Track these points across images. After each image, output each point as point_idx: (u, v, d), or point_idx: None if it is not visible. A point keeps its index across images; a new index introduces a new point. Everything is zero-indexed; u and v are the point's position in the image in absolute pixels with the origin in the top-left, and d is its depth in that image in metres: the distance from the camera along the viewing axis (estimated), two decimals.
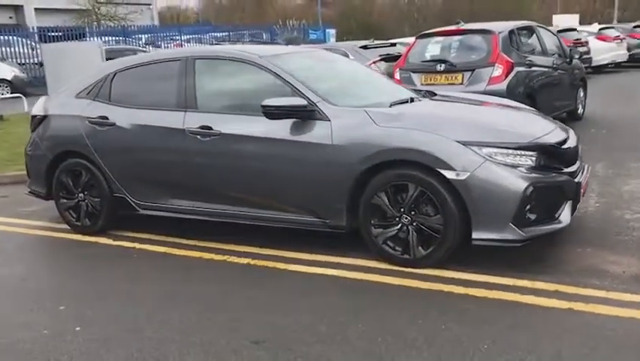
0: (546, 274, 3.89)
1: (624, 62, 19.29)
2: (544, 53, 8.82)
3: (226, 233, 5.00)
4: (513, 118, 4.71)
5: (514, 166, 3.88)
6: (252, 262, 4.50)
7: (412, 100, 4.82)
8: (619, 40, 18.92)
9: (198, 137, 4.68)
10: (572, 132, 4.59)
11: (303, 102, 4.30)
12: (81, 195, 5.35)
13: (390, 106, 4.52)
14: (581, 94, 9.98)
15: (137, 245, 5.05)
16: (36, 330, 3.58)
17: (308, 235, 4.67)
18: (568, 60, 9.36)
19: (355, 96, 4.75)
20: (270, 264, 4.43)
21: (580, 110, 9.91)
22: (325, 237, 4.60)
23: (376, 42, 11.88)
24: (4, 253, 5.15)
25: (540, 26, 9.30)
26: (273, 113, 4.30)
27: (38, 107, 5.64)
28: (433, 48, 8.37)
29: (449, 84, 7.77)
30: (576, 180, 4.17)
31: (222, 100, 4.86)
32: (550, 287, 3.72)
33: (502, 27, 8.11)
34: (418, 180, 3.97)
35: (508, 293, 3.68)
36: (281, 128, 4.40)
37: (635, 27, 20.86)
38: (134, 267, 4.61)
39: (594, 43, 17.83)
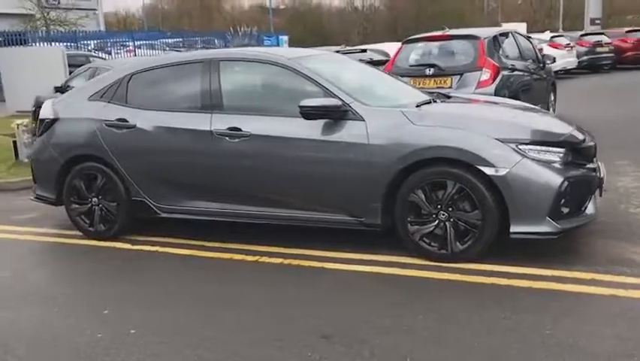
0: (580, 265, 4.09)
1: (573, 68, 20.19)
2: (522, 57, 9.17)
3: (245, 235, 5.03)
4: (537, 118, 4.92)
5: (548, 162, 4.07)
6: (285, 261, 4.53)
7: (434, 101, 4.96)
8: (569, 48, 19.79)
9: (227, 138, 4.69)
10: (587, 132, 4.83)
11: (339, 102, 4.37)
12: (95, 199, 5.25)
13: (417, 106, 4.64)
14: (552, 97, 10.42)
15: (158, 248, 5.00)
16: (89, 334, 3.51)
17: (330, 234, 4.74)
18: (541, 65, 9.77)
19: (381, 97, 4.86)
20: (304, 263, 4.47)
21: (551, 113, 10.34)
22: (348, 235, 4.69)
23: (347, 48, 11.89)
24: (21, 261, 5.00)
25: (517, 32, 9.67)
26: (310, 113, 4.36)
27: (46, 111, 5.50)
28: (420, 53, 8.58)
29: (438, 88, 7.98)
30: (598, 175, 4.40)
31: (250, 101, 4.88)
32: (586, 276, 3.91)
33: (486, 33, 8.40)
34: (457, 177, 4.10)
35: (551, 283, 3.85)
36: (312, 129, 4.46)
37: (582, 35, 21.87)
38: (165, 269, 4.56)
39: (547, 51, 18.57)
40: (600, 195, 4.53)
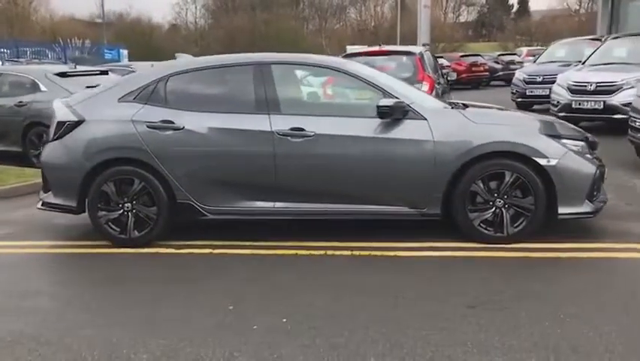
0: (603, 237, 4.93)
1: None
2: (436, 72, 10.21)
3: (288, 233, 5.20)
4: (550, 118, 5.73)
5: (582, 154, 4.87)
6: (355, 253, 4.80)
7: (464, 106, 5.50)
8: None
9: (289, 138, 4.84)
10: None
11: (405, 103, 4.80)
12: (128, 204, 5.04)
13: (452, 107, 5.21)
14: None
15: (211, 251, 4.96)
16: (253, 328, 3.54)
17: (375, 226, 5.12)
18: (446, 80, 10.93)
19: (418, 98, 5.31)
20: (374, 253, 4.78)
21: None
22: (393, 227, 5.10)
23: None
24: (75, 273, 4.66)
25: (427, 51, 10.72)
26: (386, 112, 4.73)
27: (65, 113, 5.14)
28: None
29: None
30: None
31: (307, 103, 5.08)
32: (614, 246, 4.73)
33: (416, 49, 9.27)
34: (514, 168, 4.73)
35: (591, 253, 4.62)
36: (372, 128, 4.83)
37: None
38: (242, 269, 4.56)
39: None
40: (603, 182, 5.44)
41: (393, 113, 4.76)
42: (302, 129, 4.84)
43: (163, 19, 55.49)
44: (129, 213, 5.05)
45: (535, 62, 16.19)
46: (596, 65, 11.52)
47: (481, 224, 4.84)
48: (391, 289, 4.04)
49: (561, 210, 4.77)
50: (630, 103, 10.09)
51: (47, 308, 3.96)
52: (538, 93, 13.99)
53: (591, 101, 10.66)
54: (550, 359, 3.06)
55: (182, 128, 4.94)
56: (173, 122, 4.96)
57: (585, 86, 10.76)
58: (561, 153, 4.74)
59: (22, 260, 5.07)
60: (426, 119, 4.82)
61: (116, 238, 5.09)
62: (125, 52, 34.43)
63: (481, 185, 4.78)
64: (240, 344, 3.33)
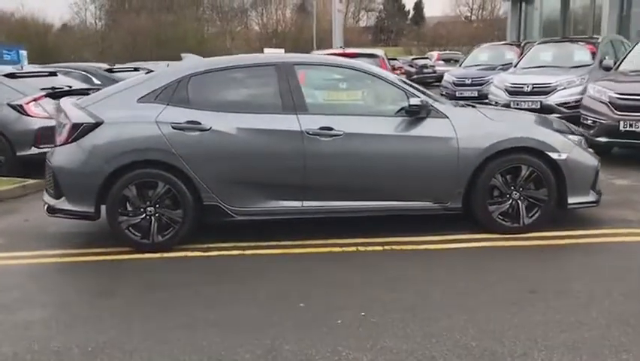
0: (601, 225, 5.36)
1: None
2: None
3: (306, 231, 5.26)
4: (550, 117, 6.14)
5: (584, 148, 5.30)
6: (386, 248, 4.94)
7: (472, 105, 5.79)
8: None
9: (318, 137, 4.91)
10: None
11: (429, 102, 5.01)
12: (151, 208, 4.89)
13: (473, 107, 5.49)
14: None
15: (242, 252, 4.92)
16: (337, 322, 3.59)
17: (388, 222, 5.29)
18: None
19: (435, 98, 5.52)
20: (404, 247, 4.95)
21: None
22: (404, 222, 5.29)
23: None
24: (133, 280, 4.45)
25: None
26: (416, 111, 4.91)
27: (79, 115, 4.89)
28: None
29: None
30: None
31: (332, 102, 5.16)
32: (618, 231, 5.20)
33: (379, 52, 9.58)
34: (529, 162, 5.06)
35: (598, 238, 5.07)
36: (400, 126, 5.01)
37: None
38: (283, 268, 4.58)
39: None
40: None
41: (421, 112, 4.96)
42: (331, 128, 4.92)
43: (60, 19, 52.48)
44: (152, 218, 4.90)
45: (460, 65, 17.02)
46: (527, 67, 12.35)
47: (499, 216, 5.13)
48: (444, 280, 4.23)
49: (570, 200, 5.16)
50: (565, 103, 11.00)
51: (123, 313, 3.79)
52: (467, 95, 14.72)
53: (528, 101, 11.40)
54: (628, 332, 3.35)
55: (209, 129, 4.87)
56: (199, 123, 4.87)
57: (522, 87, 11.51)
58: (570, 148, 5.13)
59: (50, 270, 4.79)
60: (447, 118, 5.05)
61: (138, 243, 4.92)
62: (24, 53, 32.35)
63: (500, 179, 5.07)
64: (336, 338, 3.38)
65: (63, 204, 4.94)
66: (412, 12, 74.89)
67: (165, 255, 4.90)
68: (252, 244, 5.08)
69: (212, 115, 4.91)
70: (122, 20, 47.74)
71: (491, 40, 31.56)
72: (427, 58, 31.27)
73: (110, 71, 11.22)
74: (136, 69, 11.68)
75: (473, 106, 5.65)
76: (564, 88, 11.19)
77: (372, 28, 72.12)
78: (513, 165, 5.07)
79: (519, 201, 5.12)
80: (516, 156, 5.07)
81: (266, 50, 29.83)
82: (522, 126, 5.21)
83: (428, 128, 5.01)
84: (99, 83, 10.43)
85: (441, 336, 3.38)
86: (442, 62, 29.34)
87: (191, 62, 5.59)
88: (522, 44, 16.40)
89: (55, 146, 5.08)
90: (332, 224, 5.31)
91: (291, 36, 52.18)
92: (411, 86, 5.29)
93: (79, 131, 4.86)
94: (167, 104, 4.93)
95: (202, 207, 4.95)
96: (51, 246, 5.27)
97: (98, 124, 4.86)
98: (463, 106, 5.51)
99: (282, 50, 31.72)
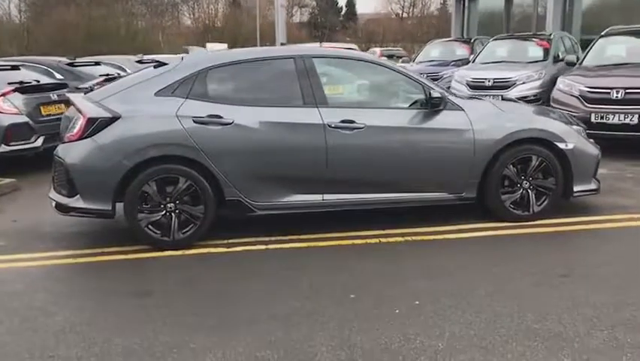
0: (601, 211, 5.64)
1: None
2: None
3: (325, 223, 5.28)
4: (550, 108, 6.36)
5: (586, 137, 5.55)
6: (408, 238, 5.01)
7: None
8: None
9: (340, 130, 4.92)
10: None
11: (444, 94, 5.12)
12: (171, 205, 4.77)
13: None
14: None
15: (267, 246, 4.88)
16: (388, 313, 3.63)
17: (407, 213, 5.39)
18: None
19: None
20: (424, 238, 5.04)
21: None
22: (419, 213, 5.40)
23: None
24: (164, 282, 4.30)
25: None
26: (438, 103, 5.01)
27: (94, 109, 4.70)
28: None
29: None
30: None
31: (353, 95, 5.18)
32: (618, 217, 5.49)
33: (354, 47, 9.62)
34: (539, 152, 5.25)
35: (604, 223, 5.33)
36: (418, 119, 5.09)
37: None
38: (314, 261, 4.56)
39: None
40: None
41: (441, 104, 5.05)
42: (353, 121, 4.94)
43: None
44: (172, 214, 4.77)
45: (414, 61, 17.34)
46: (486, 63, 12.75)
47: (511, 205, 5.30)
48: (478, 268, 4.35)
49: (576, 188, 5.39)
50: (525, 97, 11.42)
51: (171, 312, 3.68)
52: None
53: (490, 95, 11.73)
54: None
55: (231, 123, 4.79)
56: (221, 117, 4.78)
57: (483, 82, 11.86)
58: (575, 138, 5.37)
59: (84, 269, 4.58)
60: (463, 110, 5.17)
61: (158, 241, 4.79)
62: None
63: (512, 169, 5.25)
64: (402, 326, 3.42)
65: (77, 202, 4.74)
66: (344, 9, 75.46)
67: (187, 252, 4.79)
68: (272, 238, 5.04)
69: (233, 109, 4.84)
70: (50, 13, 45.71)
71: (427, 36, 32.25)
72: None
73: (71, 65, 10.78)
74: (97, 63, 11.29)
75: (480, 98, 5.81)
76: (523, 82, 11.63)
77: (306, 24, 72.18)
78: (524, 155, 5.25)
79: (529, 190, 5.31)
80: (527, 146, 5.25)
81: (209, 45, 29.43)
82: (532, 118, 5.41)
83: (446, 120, 5.11)
84: (61, 77, 10.01)
85: (501, 321, 3.47)
86: (385, 59, 29.78)
87: (208, 55, 5.46)
88: (472, 41, 16.85)
89: (65, 142, 4.86)
90: (344, 217, 5.32)
91: (229, 31, 51.45)
92: (424, 79, 5.38)
93: (95, 125, 4.67)
94: (187, 98, 4.81)
95: (223, 203, 4.87)
96: (58, 247, 5.05)
97: (115, 118, 4.68)
98: (474, 98, 5.65)
99: (225, 45, 31.39)
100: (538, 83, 11.62)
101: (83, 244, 5.09)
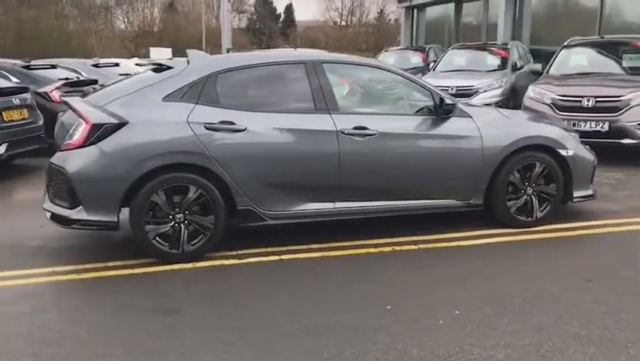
0: (594, 217, 5.76)
1: None
2: None
3: (332, 232, 5.17)
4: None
5: (582, 144, 5.68)
6: (421, 246, 4.96)
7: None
8: None
9: (352, 137, 4.83)
10: None
11: (456, 101, 5.12)
12: (180, 215, 4.55)
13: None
14: None
15: (280, 257, 4.72)
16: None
17: (412, 221, 5.34)
18: None
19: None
20: (437, 245, 5.00)
21: None
22: (422, 221, 5.37)
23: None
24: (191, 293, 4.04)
25: None
26: (449, 110, 4.99)
27: (98, 115, 4.41)
28: None
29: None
30: None
31: (364, 102, 5.09)
32: (615, 222, 5.63)
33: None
34: (542, 159, 5.33)
35: (604, 228, 5.45)
36: (429, 126, 5.07)
37: None
38: (333, 271, 4.45)
39: None
40: None
41: (453, 111, 5.04)
42: (365, 128, 4.86)
43: None
44: (181, 225, 4.54)
45: None
46: (446, 71, 12.97)
47: (516, 212, 5.35)
48: (504, 273, 4.35)
49: (575, 194, 5.50)
50: (487, 105, 11.66)
51: (209, 328, 3.46)
52: None
53: None
54: None
55: (244, 130, 4.61)
56: (233, 123, 4.60)
57: (446, 89, 11.99)
58: (574, 145, 5.48)
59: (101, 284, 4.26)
60: (471, 117, 5.18)
61: (166, 253, 4.54)
62: None
63: (517, 175, 5.29)
64: (453, 337, 3.36)
65: (80, 214, 4.42)
66: (282, 15, 75.47)
67: (197, 264, 4.57)
68: (284, 248, 4.88)
69: (245, 115, 4.66)
70: None
71: (367, 45, 32.29)
72: None
73: (27, 68, 10.21)
74: (53, 66, 10.74)
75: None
76: (485, 90, 11.90)
77: (244, 30, 71.71)
78: (528, 162, 5.30)
79: (532, 196, 5.37)
80: (532, 153, 5.31)
81: (152, 50, 28.69)
82: (535, 125, 5.49)
83: (455, 126, 5.10)
84: (17, 80, 9.45)
85: (549, 328, 3.46)
86: None
87: (216, 59, 5.23)
88: (426, 49, 17.13)
89: (63, 150, 4.55)
90: (348, 225, 5.22)
91: (167, 35, 50.43)
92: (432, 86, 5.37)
93: (100, 132, 4.38)
94: (196, 103, 4.60)
95: (234, 212, 4.68)
96: (54, 262, 4.69)
97: (122, 124, 4.41)
98: (479, 105, 5.69)
99: (170, 50, 30.71)
100: (499, 91, 11.92)
101: (82, 259, 4.73)
